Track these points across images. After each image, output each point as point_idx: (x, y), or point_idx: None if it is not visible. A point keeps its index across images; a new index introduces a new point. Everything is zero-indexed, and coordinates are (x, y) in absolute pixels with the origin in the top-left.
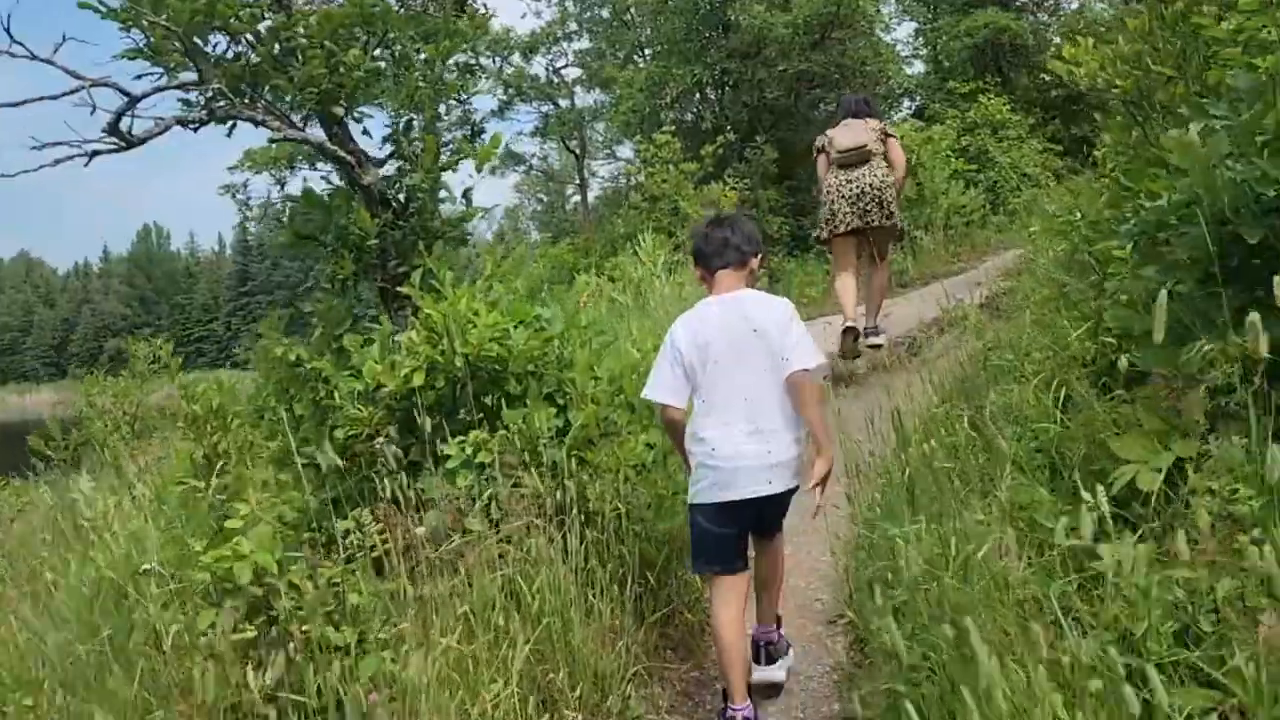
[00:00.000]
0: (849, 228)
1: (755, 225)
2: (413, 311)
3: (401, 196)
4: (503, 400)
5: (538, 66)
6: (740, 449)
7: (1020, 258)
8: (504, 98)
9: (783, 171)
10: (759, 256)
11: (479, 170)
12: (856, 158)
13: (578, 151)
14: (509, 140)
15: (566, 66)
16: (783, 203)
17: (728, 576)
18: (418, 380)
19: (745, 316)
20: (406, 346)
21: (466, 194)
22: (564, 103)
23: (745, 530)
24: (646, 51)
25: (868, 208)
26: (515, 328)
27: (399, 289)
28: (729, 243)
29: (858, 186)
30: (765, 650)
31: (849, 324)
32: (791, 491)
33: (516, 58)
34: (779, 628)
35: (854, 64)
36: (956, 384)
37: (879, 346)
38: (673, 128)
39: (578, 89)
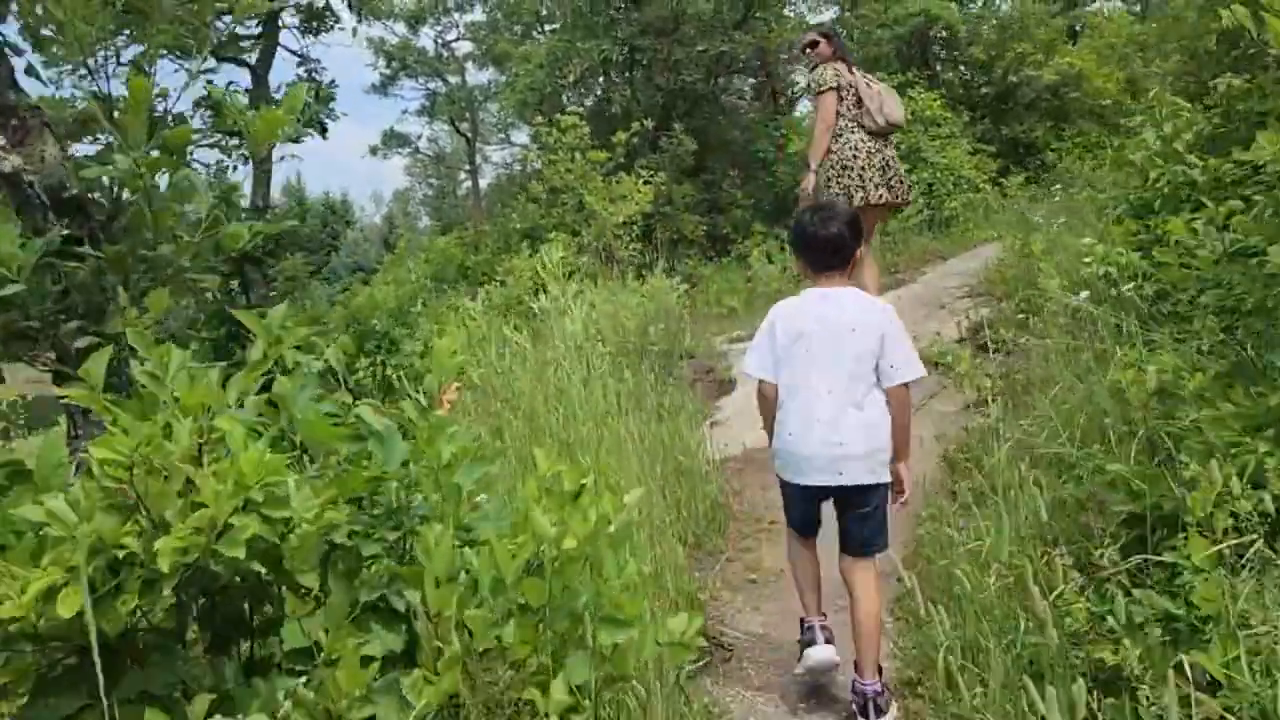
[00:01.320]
0: (880, 200)
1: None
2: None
3: (99, 195)
4: (278, 634)
5: (425, 39)
6: (814, 440)
7: (977, 269)
8: (386, 71)
9: (698, 163)
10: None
11: (257, 147)
12: (899, 126)
13: (469, 135)
14: (396, 120)
15: (457, 40)
16: (699, 199)
17: (806, 537)
18: (66, 608)
19: (844, 314)
20: (56, 524)
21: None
22: (454, 80)
23: (821, 502)
24: (548, 27)
25: (892, 181)
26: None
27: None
28: (842, 244)
29: (883, 158)
30: (873, 705)
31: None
32: (870, 489)
33: (401, 28)
34: (882, 677)
35: (780, 48)
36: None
37: None
38: (579, 110)
39: (469, 65)
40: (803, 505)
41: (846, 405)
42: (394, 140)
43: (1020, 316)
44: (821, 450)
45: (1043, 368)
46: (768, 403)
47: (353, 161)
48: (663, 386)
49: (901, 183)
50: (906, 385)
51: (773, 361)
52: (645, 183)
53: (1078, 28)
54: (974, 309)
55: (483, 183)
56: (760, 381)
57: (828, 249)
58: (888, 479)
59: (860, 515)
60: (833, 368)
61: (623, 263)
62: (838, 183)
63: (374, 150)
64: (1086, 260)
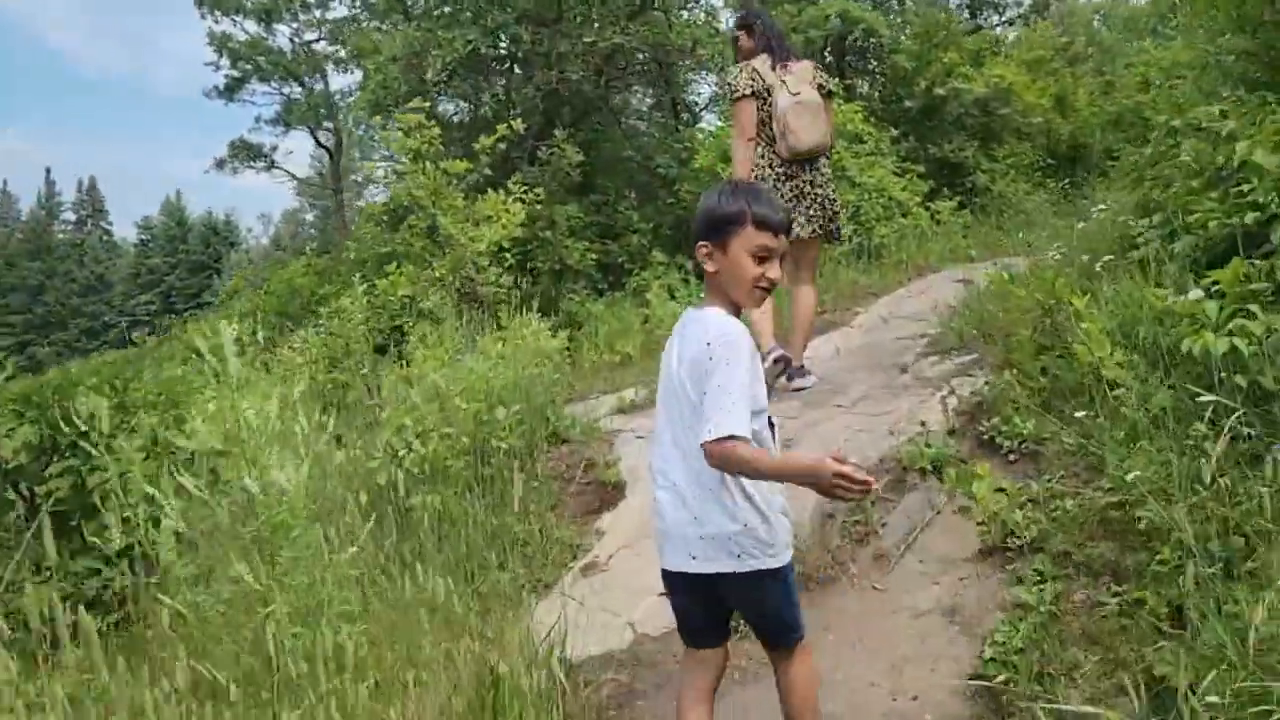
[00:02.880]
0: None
1: (709, 197)
2: None
3: None
4: None
5: (281, 38)
6: (667, 509)
7: (926, 311)
8: (234, 73)
9: (587, 181)
10: (701, 245)
11: None
12: (810, 156)
13: (329, 147)
14: (246, 130)
15: (318, 41)
16: (587, 222)
17: (691, 649)
18: None
19: (678, 346)
20: None
21: None
22: (316, 85)
23: (700, 604)
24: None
25: (812, 212)
26: None
27: None
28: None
29: (796, 185)
30: None
31: (779, 352)
32: (747, 577)
33: (251, 25)
34: None
35: (682, 44)
36: None
37: (805, 389)
38: (424, 108)
39: (331, 67)
40: (675, 598)
41: (694, 467)
42: (244, 152)
43: (1037, 396)
44: (676, 528)
45: (1102, 491)
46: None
47: (225, 178)
48: (492, 533)
49: (825, 213)
50: (722, 443)
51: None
52: (517, 200)
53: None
54: (957, 378)
55: (363, 201)
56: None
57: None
58: (770, 563)
59: (747, 610)
60: (673, 420)
61: (486, 302)
62: None
63: (220, 164)
64: (1170, 323)
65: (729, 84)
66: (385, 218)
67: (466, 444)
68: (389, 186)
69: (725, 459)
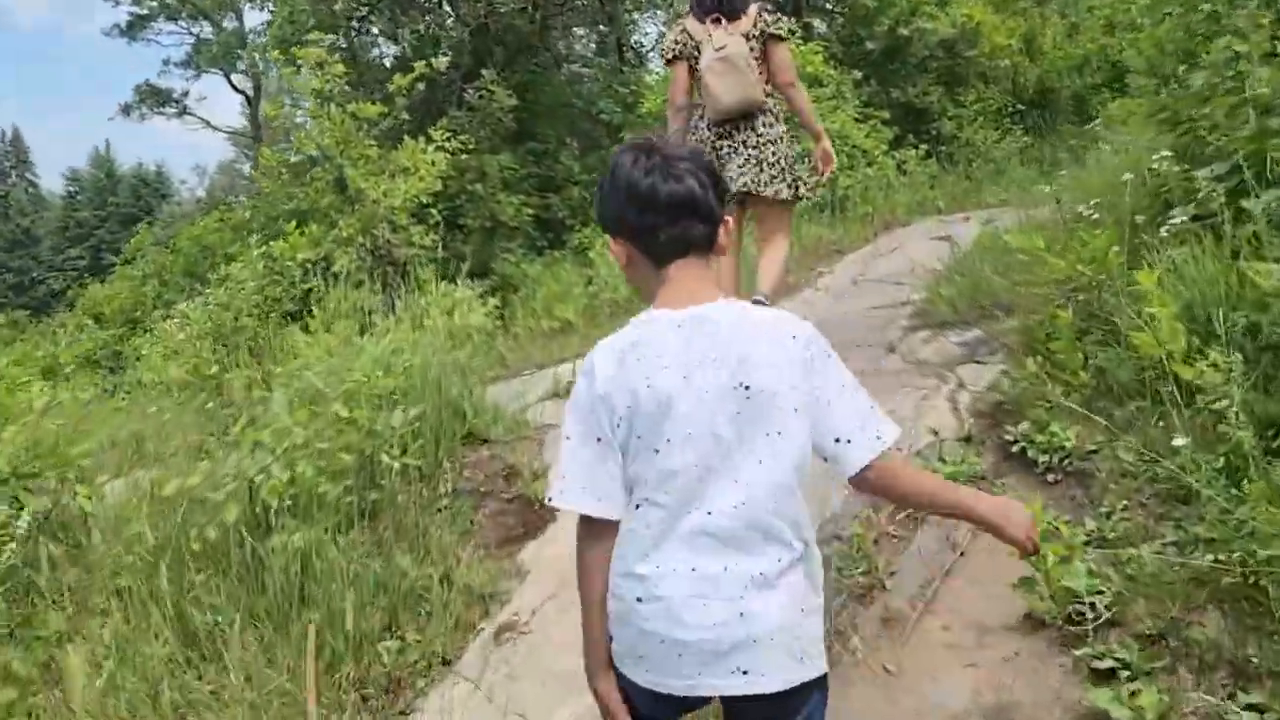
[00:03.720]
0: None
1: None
2: None
3: None
4: None
5: None
6: (695, 607)
7: (903, 272)
8: (138, 9)
9: (523, 129)
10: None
11: None
12: (739, 115)
13: (248, 91)
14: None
15: None
16: (523, 174)
17: None
18: None
19: (730, 354)
20: None
21: None
22: (233, 25)
23: None
24: None
25: (744, 172)
26: None
27: None
28: (693, 203)
29: (728, 147)
30: None
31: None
32: (795, 695)
33: None
34: None
35: None
36: None
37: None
38: (330, 42)
39: (247, 6)
40: None
41: (764, 529)
42: (152, 98)
43: (1077, 395)
44: (708, 626)
45: (1197, 540)
46: (594, 560)
47: (159, 127)
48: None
49: (764, 172)
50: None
51: (596, 473)
52: (439, 149)
53: None
54: (963, 365)
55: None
56: (581, 522)
57: (667, 215)
58: (822, 668)
59: None
60: (732, 463)
61: (403, 265)
62: None
63: (125, 110)
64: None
65: (662, 49)
66: (285, 170)
67: (350, 462)
68: (294, 132)
69: (894, 480)
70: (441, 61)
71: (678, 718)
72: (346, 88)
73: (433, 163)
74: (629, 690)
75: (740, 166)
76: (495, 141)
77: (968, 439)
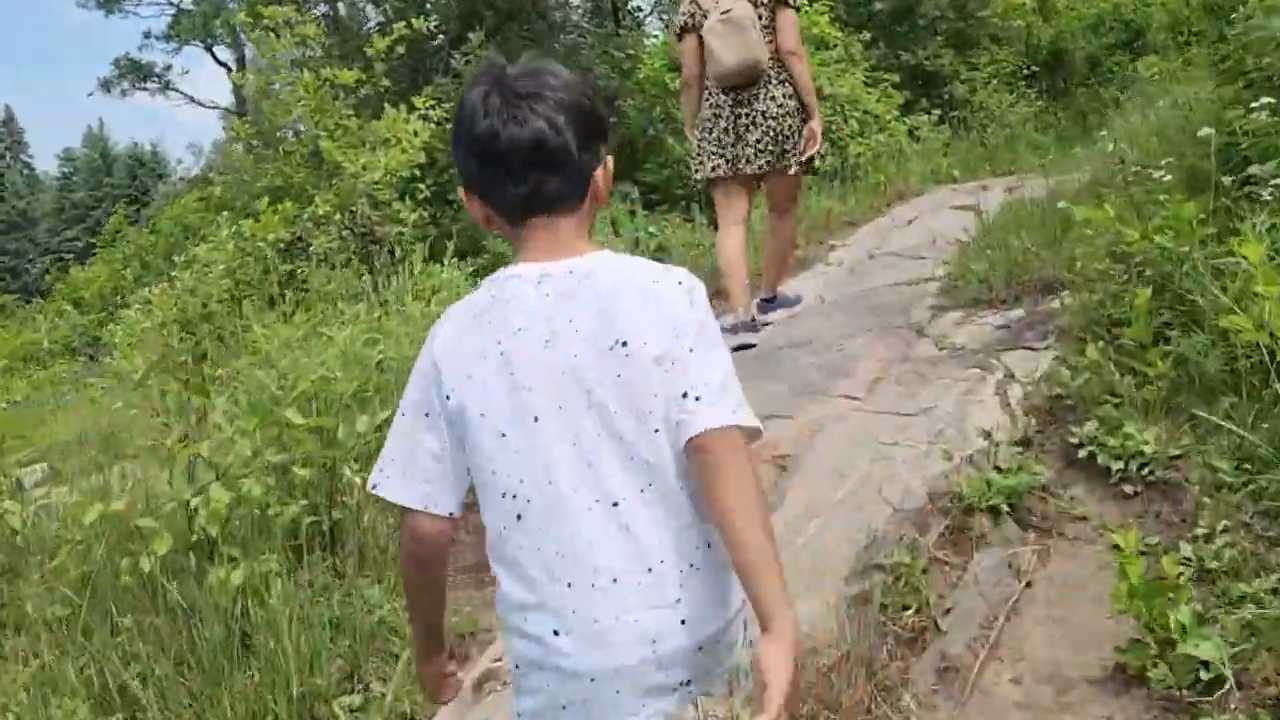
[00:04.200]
0: (715, 173)
1: (588, 84)
2: None
3: None
4: None
5: None
6: (605, 628)
7: (923, 246)
8: None
9: None
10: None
11: None
12: (743, 78)
13: (230, 64)
14: (135, 48)
15: None
16: None
17: None
18: None
19: (600, 313)
20: None
21: None
22: None
23: None
24: None
25: (742, 149)
26: None
27: None
28: (542, 150)
29: (730, 119)
30: None
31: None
32: None
33: None
34: None
35: None
36: None
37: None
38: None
39: None
40: None
41: (655, 520)
42: (132, 72)
43: (1155, 390)
44: (631, 638)
45: None
46: (428, 561)
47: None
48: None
49: (778, 146)
50: (737, 431)
51: (426, 463)
52: (422, 117)
53: None
54: (1009, 352)
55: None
56: (404, 516)
57: (514, 162)
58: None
59: None
60: (604, 443)
61: (386, 244)
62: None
63: (106, 85)
64: None
65: (673, 21)
66: (256, 143)
67: (306, 478)
68: (265, 102)
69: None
70: (424, 24)
71: None
72: (326, 55)
73: (415, 133)
74: None
75: (758, 141)
76: None
77: (1025, 442)
